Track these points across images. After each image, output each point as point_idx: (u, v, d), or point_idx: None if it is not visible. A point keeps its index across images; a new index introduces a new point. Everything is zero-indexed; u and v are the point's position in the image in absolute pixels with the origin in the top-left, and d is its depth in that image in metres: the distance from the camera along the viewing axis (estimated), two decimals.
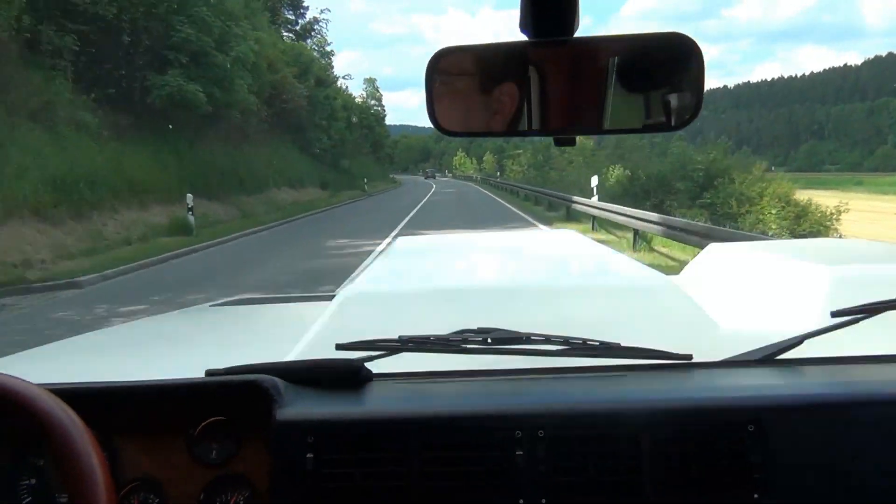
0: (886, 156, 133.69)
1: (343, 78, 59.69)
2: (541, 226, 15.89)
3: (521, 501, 0.95)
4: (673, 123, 0.84)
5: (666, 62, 0.83)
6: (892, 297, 1.10)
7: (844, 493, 0.93)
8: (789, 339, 1.11)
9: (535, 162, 41.47)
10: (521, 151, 62.68)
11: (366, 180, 41.03)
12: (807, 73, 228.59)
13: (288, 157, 29.11)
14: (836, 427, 0.95)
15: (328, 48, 49.42)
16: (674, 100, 0.84)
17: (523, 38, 0.78)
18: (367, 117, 60.62)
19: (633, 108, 0.85)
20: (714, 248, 2.02)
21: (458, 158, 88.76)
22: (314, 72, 36.28)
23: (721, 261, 1.91)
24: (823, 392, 1.00)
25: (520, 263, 2.15)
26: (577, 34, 0.78)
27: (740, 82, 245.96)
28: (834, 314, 1.11)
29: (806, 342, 1.10)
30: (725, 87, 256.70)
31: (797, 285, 1.49)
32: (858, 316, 1.09)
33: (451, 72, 0.86)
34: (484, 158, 78.93)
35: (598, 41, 0.81)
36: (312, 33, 46.36)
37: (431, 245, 2.77)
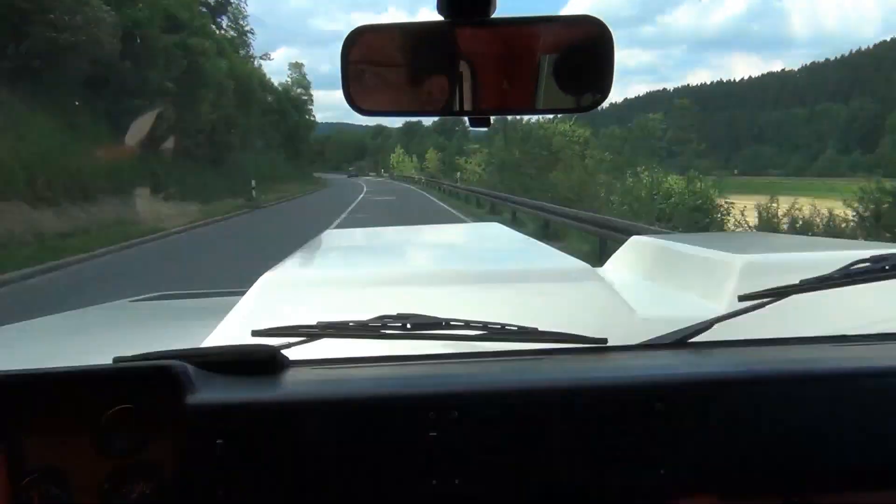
0: (832, 161, 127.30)
1: (260, 58, 51.47)
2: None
3: (434, 482, 0.99)
4: (584, 104, 0.88)
5: (578, 44, 0.86)
6: (797, 282, 1.17)
7: (746, 467, 1.00)
8: (700, 324, 1.19)
9: (505, 160, 30.40)
10: (477, 146, 48.96)
11: (254, 184, 28.27)
12: (745, 78, 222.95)
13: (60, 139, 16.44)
14: (740, 404, 1.02)
15: (245, 25, 44.31)
16: (585, 81, 0.87)
17: (440, 18, 0.80)
18: (283, 101, 52.25)
19: (546, 88, 0.87)
20: (635, 240, 2.13)
21: (396, 156, 74.44)
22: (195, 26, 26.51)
23: (641, 252, 2.03)
24: (728, 371, 1.08)
25: (444, 253, 2.24)
26: (496, 15, 0.80)
27: (679, 86, 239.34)
28: (741, 298, 1.19)
29: (716, 326, 1.18)
30: (665, 89, 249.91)
31: (709, 273, 1.60)
32: (765, 300, 1.17)
33: (368, 51, 0.87)
34: (427, 157, 65.70)
35: (515, 22, 0.83)
36: (228, 7, 40.97)
37: (357, 236, 2.80)
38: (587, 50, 0.86)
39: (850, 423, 1.02)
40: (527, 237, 2.27)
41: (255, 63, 43.90)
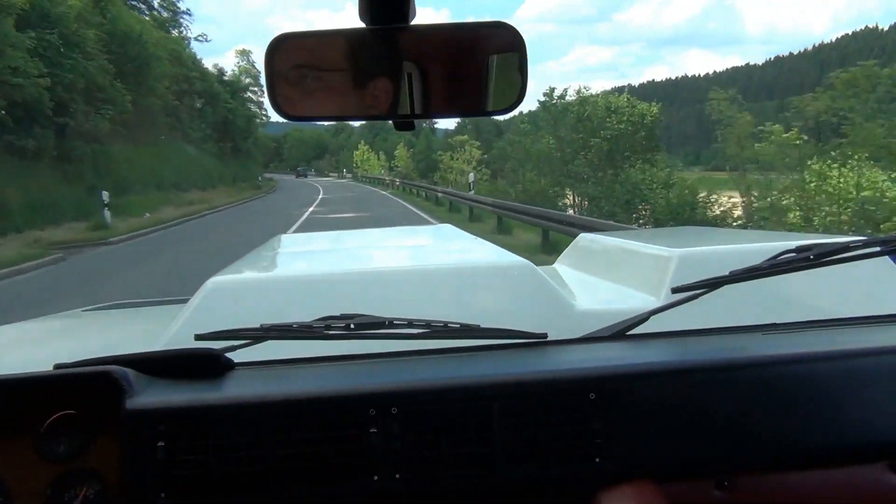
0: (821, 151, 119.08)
1: (196, 39, 44.70)
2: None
3: (376, 478, 0.99)
4: (499, 107, 0.91)
5: (492, 49, 0.89)
6: (728, 273, 1.18)
7: (677, 453, 1.02)
8: (637, 316, 1.20)
9: (547, 151, 21.22)
10: (465, 137, 37.63)
11: (106, 198, 16.58)
12: (710, 73, 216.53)
13: None
14: (674, 393, 1.04)
15: (179, 4, 38.50)
16: (501, 84, 0.90)
17: (362, 25, 0.83)
18: (212, 85, 42.58)
19: (462, 92, 0.91)
20: (583, 237, 2.17)
21: (360, 154, 61.87)
22: None
23: (586, 249, 2.06)
24: (662, 361, 1.09)
25: (391, 253, 2.21)
26: (415, 22, 0.83)
27: (644, 81, 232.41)
28: (674, 290, 1.21)
29: (653, 318, 1.19)
30: (630, 85, 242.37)
31: (647, 267, 1.61)
32: (698, 291, 1.18)
33: (291, 57, 0.90)
34: (396, 154, 57.08)
35: (431, 29, 0.87)
36: None
37: (306, 240, 2.80)
38: (502, 55, 0.89)
39: (779, 407, 1.04)
40: (475, 237, 2.25)
41: (190, 45, 38.66)
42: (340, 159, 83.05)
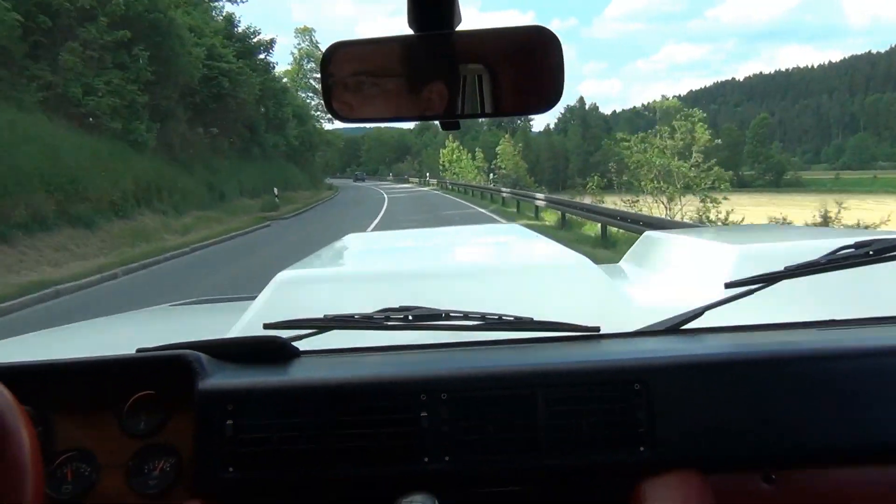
0: None
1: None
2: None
3: (426, 459, 1.05)
4: (542, 106, 0.96)
5: (531, 52, 0.94)
6: (783, 269, 1.18)
7: (724, 445, 1.04)
8: (691, 311, 1.22)
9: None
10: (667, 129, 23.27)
11: (277, 192, 27.47)
12: (826, 63, 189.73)
13: None
14: (724, 385, 1.05)
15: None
16: (539, 85, 0.95)
17: (411, 32, 0.88)
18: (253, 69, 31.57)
19: (504, 92, 0.95)
20: (648, 235, 2.20)
21: (449, 151, 47.65)
22: None
23: (649, 246, 2.08)
24: (713, 353, 1.11)
25: (453, 251, 2.35)
26: (460, 28, 0.89)
27: (751, 74, 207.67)
28: (727, 286, 1.21)
29: (707, 313, 1.21)
30: (734, 79, 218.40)
31: (704, 263, 1.63)
32: (752, 287, 1.20)
33: (345, 64, 0.96)
34: (499, 150, 46.68)
35: (474, 34, 0.92)
36: None
37: (376, 238, 2.96)
38: (539, 56, 0.94)
39: (832, 402, 1.04)
40: (540, 236, 2.33)
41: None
42: (423, 160, 69.63)
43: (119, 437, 1.14)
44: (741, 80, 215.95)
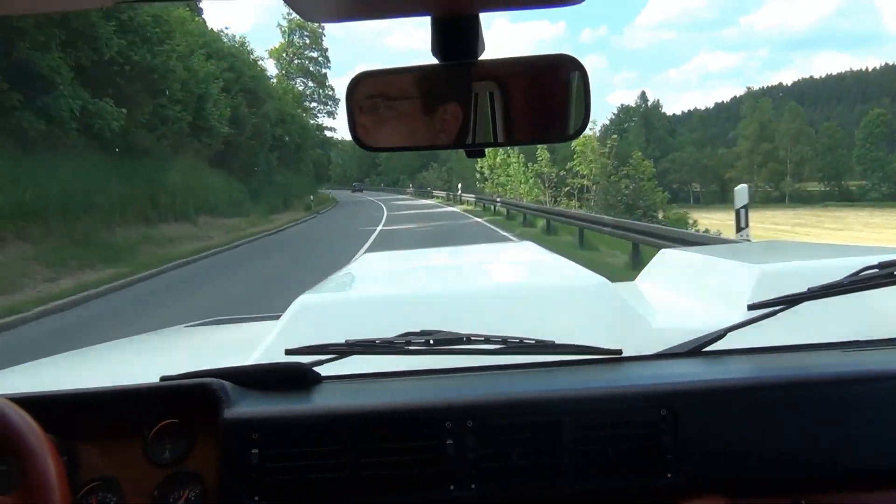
0: None
1: None
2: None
3: (452, 487, 1.09)
4: (568, 133, 1.01)
5: (556, 79, 0.99)
6: (806, 290, 1.24)
7: (751, 470, 1.08)
8: (714, 333, 1.27)
9: None
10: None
11: (312, 197, 35.81)
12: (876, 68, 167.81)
13: None
14: (751, 409, 1.10)
15: None
16: (566, 112, 0.99)
17: (435, 61, 0.94)
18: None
19: (531, 120, 1.01)
20: (664, 252, 2.29)
21: (493, 154, 30.57)
22: None
23: (667, 264, 2.17)
24: (738, 377, 1.15)
25: (472, 272, 2.45)
26: (484, 56, 0.94)
27: (798, 78, 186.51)
28: (751, 307, 1.26)
29: (729, 335, 1.26)
30: (782, 84, 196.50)
31: (726, 283, 1.68)
32: (776, 308, 1.25)
33: (370, 93, 1.01)
34: (538, 156, 35.08)
35: (498, 63, 0.97)
36: None
37: (392, 258, 3.00)
38: (564, 84, 0.98)
39: (859, 426, 1.09)
40: (555, 255, 2.44)
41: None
42: (452, 167, 53.71)
43: (144, 466, 1.20)
44: (789, 84, 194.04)
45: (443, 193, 50.34)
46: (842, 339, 1.31)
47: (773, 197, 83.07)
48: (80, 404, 1.21)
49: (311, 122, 54.05)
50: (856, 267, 1.27)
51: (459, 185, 46.19)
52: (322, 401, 1.20)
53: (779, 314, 1.26)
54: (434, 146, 1.01)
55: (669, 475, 1.08)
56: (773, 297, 1.27)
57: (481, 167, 40.67)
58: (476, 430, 1.10)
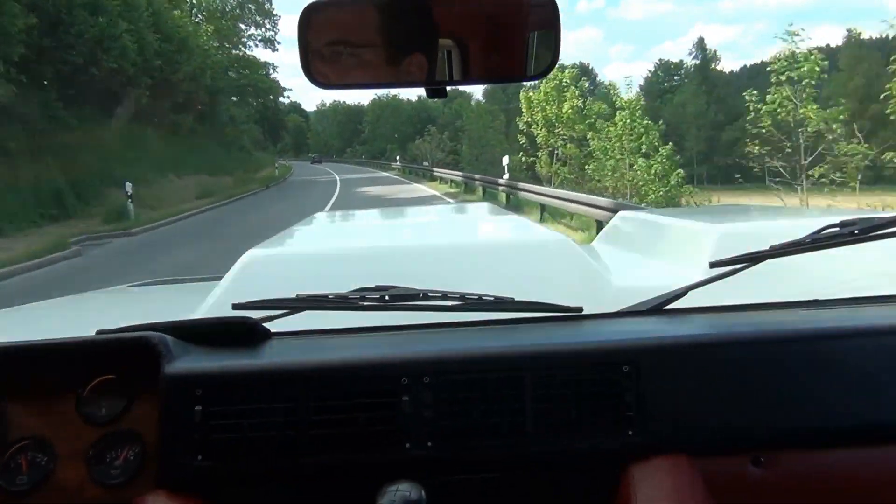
0: None
1: None
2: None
3: (408, 446, 1.12)
4: (536, 72, 1.00)
5: (524, 17, 0.98)
6: (768, 248, 1.32)
7: (712, 428, 1.14)
8: (674, 291, 1.32)
9: None
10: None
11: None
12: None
13: None
14: (711, 367, 1.15)
15: None
16: (537, 50, 0.98)
17: None
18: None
19: (496, 57, 0.99)
20: (621, 215, 2.35)
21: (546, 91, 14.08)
22: None
23: (626, 226, 2.26)
24: (699, 334, 1.21)
25: (427, 229, 2.54)
26: None
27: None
28: (712, 265, 1.31)
29: (690, 293, 1.31)
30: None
31: (686, 243, 1.74)
32: (737, 266, 1.30)
33: (322, 28, 0.99)
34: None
35: None
36: None
37: (343, 217, 3.20)
38: (532, 20, 0.97)
39: (818, 383, 1.15)
40: (512, 214, 2.55)
41: None
42: (464, 127, 38.14)
43: (78, 425, 1.19)
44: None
45: (452, 176, 31.06)
46: (802, 298, 1.38)
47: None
48: (7, 358, 1.21)
49: (235, 52, 38.84)
50: (814, 227, 1.32)
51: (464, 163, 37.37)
52: (271, 357, 1.22)
53: (740, 272, 1.32)
54: (390, 84, 1.01)
55: (631, 433, 1.13)
56: (732, 255, 1.32)
57: (529, 125, 23.88)
58: (433, 386, 1.12)
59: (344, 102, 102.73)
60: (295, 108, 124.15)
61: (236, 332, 1.23)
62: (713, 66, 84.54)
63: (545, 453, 1.12)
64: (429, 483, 1.09)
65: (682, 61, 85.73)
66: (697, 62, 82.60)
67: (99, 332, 1.23)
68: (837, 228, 1.27)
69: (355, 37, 0.99)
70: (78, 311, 2.09)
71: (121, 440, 1.17)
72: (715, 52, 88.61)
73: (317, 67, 0.97)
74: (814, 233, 1.29)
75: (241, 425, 1.10)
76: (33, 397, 1.20)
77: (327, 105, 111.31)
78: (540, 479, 1.14)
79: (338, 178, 41.50)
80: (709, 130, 66.84)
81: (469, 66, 0.95)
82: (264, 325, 1.27)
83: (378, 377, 1.13)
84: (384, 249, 1.82)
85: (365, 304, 1.25)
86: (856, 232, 1.23)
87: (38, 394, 1.20)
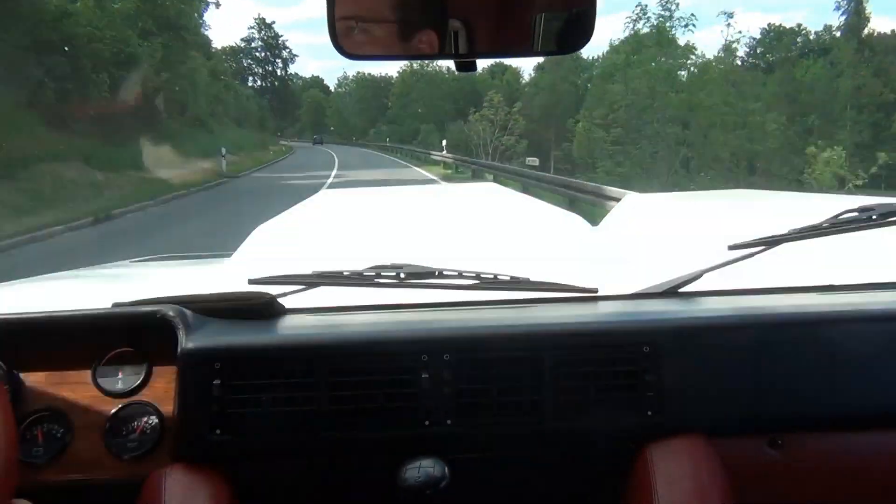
0: None
1: None
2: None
3: (427, 423, 1.16)
4: (571, 46, 1.01)
5: None
6: (786, 232, 1.37)
7: (730, 409, 1.17)
8: (692, 273, 1.35)
9: None
10: None
11: None
12: None
13: None
14: (728, 349, 1.19)
15: None
16: (570, 25, 0.99)
17: None
18: None
19: (533, 31, 1.00)
20: (630, 197, 2.48)
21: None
22: None
23: (636, 209, 2.30)
24: (716, 316, 1.25)
25: (441, 208, 2.65)
26: None
27: None
28: (731, 248, 1.35)
29: (707, 275, 1.35)
30: None
31: (702, 225, 1.79)
32: (754, 249, 1.35)
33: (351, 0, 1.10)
34: None
35: None
36: None
37: (354, 194, 3.17)
38: None
39: (835, 366, 1.18)
40: (523, 194, 3.22)
41: None
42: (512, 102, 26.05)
43: (95, 397, 1.22)
44: None
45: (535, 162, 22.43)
46: (819, 283, 1.43)
47: None
48: (25, 329, 1.25)
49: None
50: (832, 212, 1.38)
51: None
52: (290, 331, 1.27)
53: (757, 255, 1.38)
54: (423, 56, 1.01)
55: (650, 413, 1.17)
56: (749, 238, 1.37)
57: None
58: (453, 363, 1.15)
59: (368, 74, 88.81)
60: (316, 83, 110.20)
61: (254, 307, 1.26)
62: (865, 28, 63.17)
63: (564, 431, 1.16)
64: (450, 459, 1.13)
65: (800, 26, 67.99)
66: (845, 20, 60.04)
67: (115, 305, 1.27)
68: (856, 213, 1.31)
69: (383, 6, 0.99)
70: (91, 282, 2.18)
71: (138, 413, 1.20)
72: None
73: (345, 39, 0.97)
74: (832, 217, 1.33)
75: (260, 400, 1.14)
76: (49, 369, 1.23)
77: (350, 77, 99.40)
78: (559, 456, 1.20)
79: (328, 183, 25.77)
80: (873, 112, 46.08)
81: (504, 41, 0.96)
82: (279, 300, 1.32)
83: (398, 354, 1.16)
84: (397, 227, 1.88)
85: (381, 280, 1.28)
86: (874, 217, 1.26)
87: (55, 366, 1.23)
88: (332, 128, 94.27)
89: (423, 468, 1.06)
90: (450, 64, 1.03)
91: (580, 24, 0.95)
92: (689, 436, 1.12)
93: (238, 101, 53.13)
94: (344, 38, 0.96)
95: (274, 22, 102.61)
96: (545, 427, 1.12)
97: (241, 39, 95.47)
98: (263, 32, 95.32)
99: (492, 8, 0.95)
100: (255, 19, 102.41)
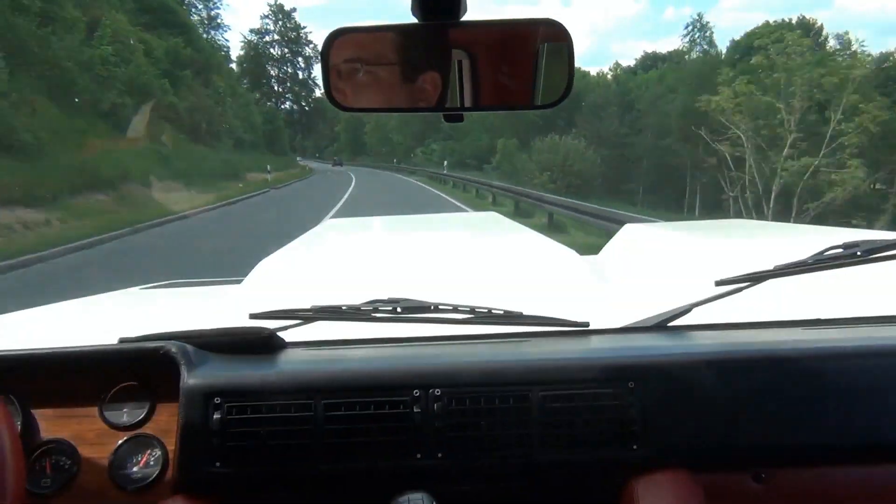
0: None
1: None
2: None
3: (419, 456, 1.22)
4: (549, 100, 1.07)
5: (540, 45, 1.06)
6: (772, 267, 1.41)
7: (714, 443, 1.21)
8: (680, 308, 1.41)
9: None
10: None
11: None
12: None
13: None
14: (714, 384, 1.22)
15: None
16: (547, 79, 1.06)
17: (414, 20, 1.02)
18: None
19: (510, 86, 1.07)
20: (628, 228, 2.53)
21: None
22: None
23: (631, 239, 2.41)
24: (703, 352, 1.30)
25: (438, 241, 2.75)
26: (466, 17, 1.02)
27: None
28: (718, 283, 1.41)
29: (695, 310, 1.41)
30: None
31: (692, 259, 1.85)
32: (742, 285, 1.41)
33: (346, 52, 1.08)
34: None
35: (481, 25, 1.05)
36: None
37: (356, 224, 3.41)
38: (549, 50, 1.04)
39: (820, 401, 1.22)
40: (521, 226, 2.70)
41: None
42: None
43: (101, 430, 1.30)
44: None
45: None
46: (805, 317, 1.49)
47: None
48: (35, 365, 1.33)
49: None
50: (818, 247, 1.43)
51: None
52: (287, 366, 1.34)
53: (744, 291, 1.43)
54: (410, 108, 1.07)
55: (636, 447, 1.22)
56: (737, 273, 1.43)
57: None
58: (443, 398, 1.21)
59: None
60: None
61: (254, 342, 1.32)
62: None
63: (551, 465, 1.21)
64: (439, 493, 1.17)
65: None
66: None
67: (121, 340, 1.33)
68: (841, 249, 1.34)
69: (376, 61, 1.04)
70: (98, 314, 2.27)
71: (142, 446, 1.28)
72: None
73: (337, 89, 1.03)
74: (817, 253, 1.37)
75: (258, 433, 1.20)
76: (58, 402, 1.30)
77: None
78: (546, 490, 1.24)
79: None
80: None
81: (483, 93, 0.99)
82: (279, 334, 1.37)
83: (390, 388, 1.22)
84: (394, 260, 1.95)
85: (377, 315, 1.34)
86: (858, 254, 1.30)
87: (63, 399, 1.30)
88: (371, 147, 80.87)
89: (413, 501, 1.10)
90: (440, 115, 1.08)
91: (561, 80, 0.99)
92: (673, 470, 1.16)
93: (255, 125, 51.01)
94: (336, 91, 1.01)
95: (294, 10, 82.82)
96: (533, 460, 1.17)
97: (251, 31, 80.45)
98: (281, 23, 78.83)
99: (477, 64, 0.96)
100: (271, 6, 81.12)
